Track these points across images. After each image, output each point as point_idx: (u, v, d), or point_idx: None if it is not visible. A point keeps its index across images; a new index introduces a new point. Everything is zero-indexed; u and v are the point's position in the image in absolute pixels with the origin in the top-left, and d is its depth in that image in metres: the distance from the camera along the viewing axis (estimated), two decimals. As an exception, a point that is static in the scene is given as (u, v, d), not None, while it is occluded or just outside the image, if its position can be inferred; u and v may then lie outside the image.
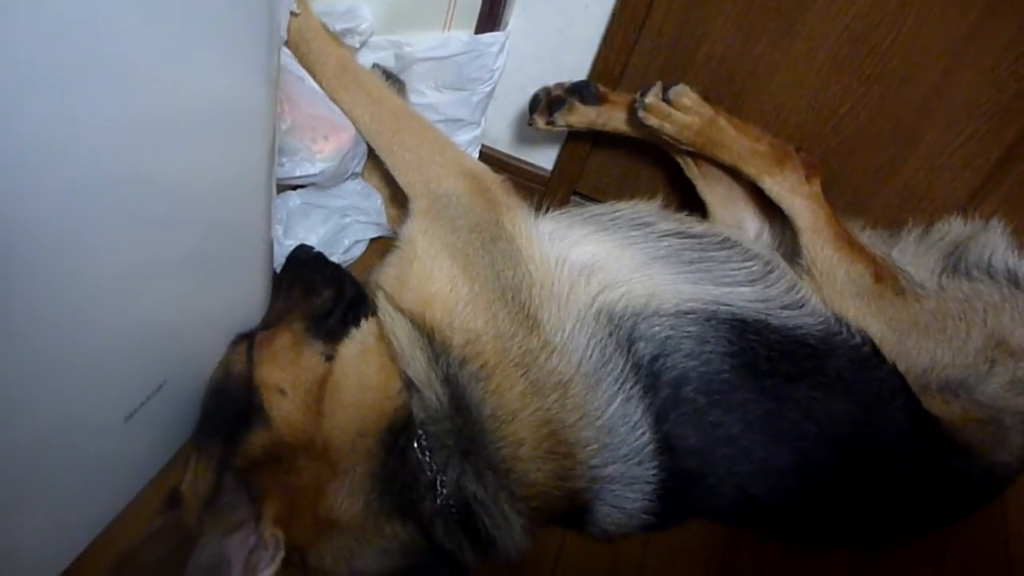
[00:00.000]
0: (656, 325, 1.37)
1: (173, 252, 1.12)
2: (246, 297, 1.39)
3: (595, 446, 1.30)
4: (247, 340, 1.34)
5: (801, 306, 1.47)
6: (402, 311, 1.34)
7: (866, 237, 1.67)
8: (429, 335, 1.30)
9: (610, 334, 1.35)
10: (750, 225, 1.74)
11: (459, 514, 1.27)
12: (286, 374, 1.29)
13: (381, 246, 1.71)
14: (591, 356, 1.33)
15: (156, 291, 1.12)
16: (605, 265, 1.43)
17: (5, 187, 0.77)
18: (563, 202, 1.93)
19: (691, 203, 1.74)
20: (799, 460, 1.38)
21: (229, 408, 1.28)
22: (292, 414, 1.25)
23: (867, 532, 1.52)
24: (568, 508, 1.34)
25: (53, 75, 0.75)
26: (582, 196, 1.95)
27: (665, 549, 1.52)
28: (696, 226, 1.57)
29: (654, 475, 1.33)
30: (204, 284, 1.25)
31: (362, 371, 1.31)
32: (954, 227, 1.65)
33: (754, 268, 1.50)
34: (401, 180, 1.52)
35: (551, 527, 1.43)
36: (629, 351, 1.35)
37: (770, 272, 1.50)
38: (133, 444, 1.27)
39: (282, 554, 1.15)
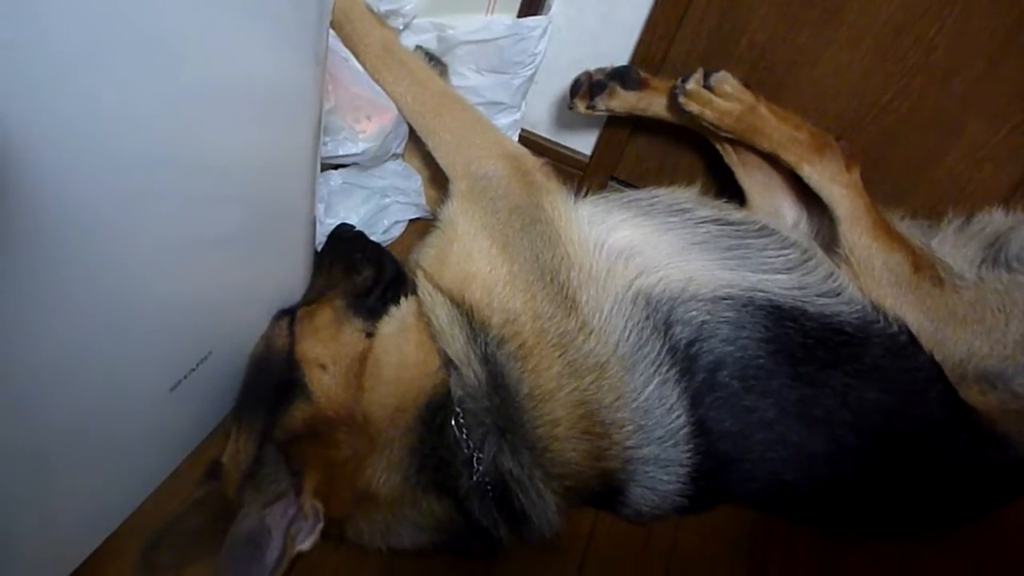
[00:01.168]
0: (693, 310, 1.38)
1: (220, 228, 1.14)
2: (289, 273, 1.41)
3: (630, 427, 1.31)
4: (289, 315, 1.36)
5: (838, 294, 1.46)
6: (441, 290, 1.35)
7: (905, 227, 1.65)
8: (468, 314, 1.31)
9: (647, 317, 1.36)
10: (788, 213, 1.73)
11: (494, 491, 1.28)
12: (327, 349, 1.31)
13: (420, 227, 1.72)
14: (628, 338, 1.33)
15: (203, 265, 1.14)
16: (643, 249, 1.44)
17: (63, 164, 0.79)
18: (601, 187, 1.93)
19: (729, 190, 1.73)
20: (833, 447, 1.38)
21: (270, 382, 1.30)
22: (332, 389, 1.27)
23: (900, 522, 1.52)
24: (602, 488, 1.35)
25: (107, 55, 0.77)
26: (620, 182, 1.95)
27: (696, 533, 1.53)
28: (734, 213, 1.58)
29: (688, 458, 1.34)
30: (249, 260, 1.27)
31: (402, 348, 1.33)
32: (995, 219, 1.63)
33: (791, 256, 1.50)
34: (442, 161, 1.53)
35: (584, 508, 1.44)
36: (666, 335, 1.35)
37: (807, 260, 1.50)
38: (177, 414, 1.29)
39: (321, 525, 1.18)
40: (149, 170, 0.92)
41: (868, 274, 1.50)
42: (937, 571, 1.60)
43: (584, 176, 1.92)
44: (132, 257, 0.98)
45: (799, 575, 1.54)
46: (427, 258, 1.43)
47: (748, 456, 1.38)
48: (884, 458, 1.40)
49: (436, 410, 1.28)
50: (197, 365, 1.25)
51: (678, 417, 1.33)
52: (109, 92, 0.79)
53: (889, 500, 1.46)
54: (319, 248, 1.53)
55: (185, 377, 1.24)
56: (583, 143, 1.92)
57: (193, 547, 1.27)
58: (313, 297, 1.42)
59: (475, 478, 1.28)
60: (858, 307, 1.45)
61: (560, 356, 1.30)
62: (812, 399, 1.37)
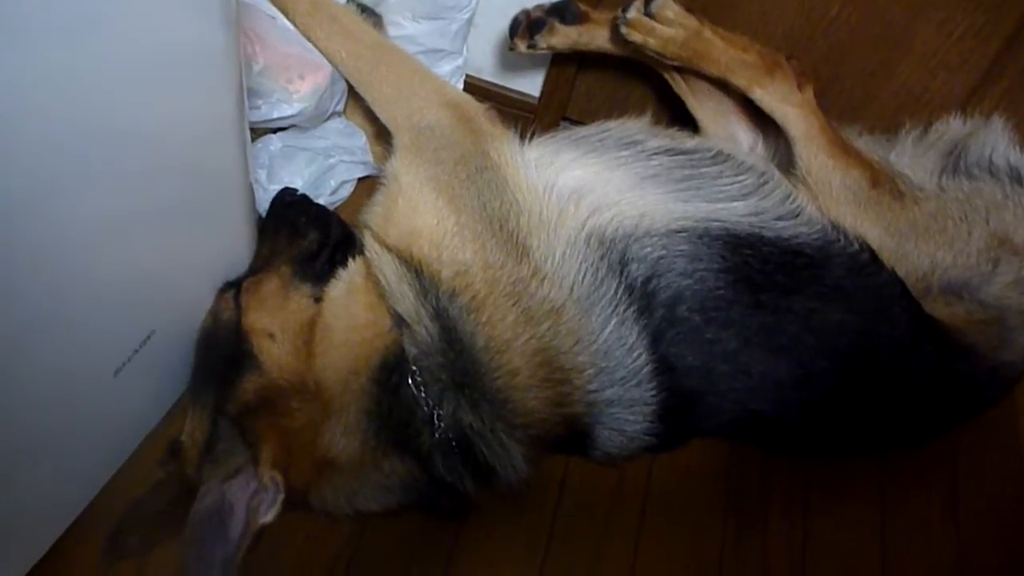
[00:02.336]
0: (648, 246, 1.35)
1: (150, 201, 1.10)
2: (231, 244, 1.38)
3: (591, 371, 1.30)
4: (234, 287, 1.33)
5: (796, 216, 1.43)
6: (388, 248, 1.32)
7: (862, 143, 1.62)
8: (417, 270, 1.29)
9: (602, 257, 1.33)
10: (743, 138, 1.69)
11: (458, 446, 1.27)
12: (275, 318, 1.29)
13: (370, 186, 1.65)
14: (583, 281, 1.31)
15: (136, 241, 1.11)
16: (594, 188, 1.40)
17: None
18: (553, 128, 1.88)
19: (683, 120, 1.69)
20: (799, 372, 1.36)
21: (220, 356, 1.28)
22: (282, 357, 1.25)
23: (873, 441, 1.52)
24: (568, 434, 1.34)
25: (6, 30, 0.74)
26: (572, 121, 1.91)
27: (670, 469, 1.52)
28: (687, 141, 1.53)
29: (653, 396, 1.33)
30: (186, 232, 1.23)
31: (351, 310, 1.31)
32: (953, 126, 1.60)
33: (747, 181, 1.46)
34: (383, 115, 1.48)
35: (554, 455, 1.43)
36: (622, 273, 1.33)
37: (764, 184, 1.46)
38: (126, 398, 1.27)
39: (283, 496, 1.16)
40: (65, 145, 0.88)
41: (826, 193, 1.48)
42: (915, 485, 1.60)
43: (535, 118, 1.88)
44: (59, 237, 0.95)
45: (778, 501, 1.54)
46: (373, 216, 1.39)
47: (714, 389, 1.36)
48: (852, 379, 1.39)
49: (391, 370, 1.26)
50: (140, 346, 1.22)
51: (639, 356, 1.31)
52: (14, 66, 0.76)
53: (860, 421, 1.45)
54: (263, 215, 1.49)
55: (129, 360, 1.22)
56: (531, 84, 1.87)
57: (158, 529, 1.27)
58: (259, 266, 1.39)
59: (437, 435, 1.26)
60: (817, 228, 1.42)
61: (514, 305, 1.27)
62: (775, 326, 1.35)
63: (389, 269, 1.30)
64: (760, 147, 1.68)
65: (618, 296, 1.31)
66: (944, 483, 1.61)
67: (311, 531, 1.36)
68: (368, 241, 1.35)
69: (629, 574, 1.41)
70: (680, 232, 1.37)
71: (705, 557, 1.45)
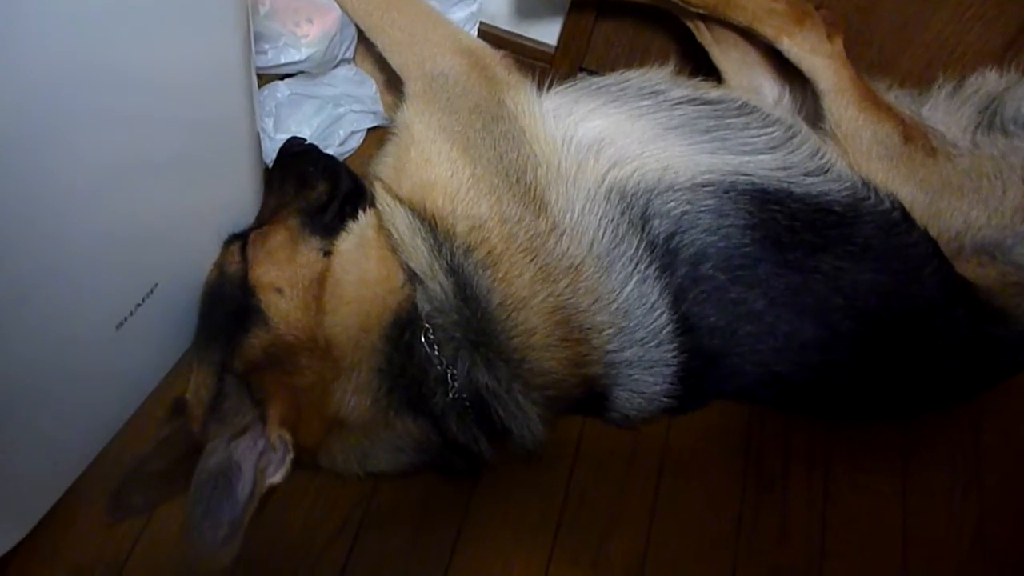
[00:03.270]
0: (671, 200, 1.30)
1: (152, 149, 1.06)
2: (236, 194, 1.33)
3: (611, 330, 1.26)
4: (241, 239, 1.29)
5: (825, 172, 1.38)
6: (401, 200, 1.26)
7: (893, 97, 1.56)
8: (431, 224, 1.24)
9: (622, 213, 1.28)
10: (768, 90, 1.63)
11: (472, 407, 1.23)
12: (282, 272, 1.24)
13: (380, 136, 1.60)
14: (603, 237, 1.26)
15: (139, 191, 1.07)
16: (615, 140, 1.34)
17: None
18: (570, 79, 1.82)
19: (705, 72, 1.62)
20: (826, 334, 1.32)
21: (226, 311, 1.24)
22: (291, 313, 1.21)
23: (899, 405, 1.47)
24: (585, 395, 1.30)
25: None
26: (589, 71, 1.84)
27: (688, 432, 1.48)
28: (712, 92, 1.47)
29: (674, 357, 1.29)
30: (190, 182, 1.18)
31: (362, 265, 1.26)
32: (988, 80, 1.52)
33: (775, 134, 1.41)
34: (394, 62, 1.42)
35: (570, 416, 1.39)
36: (643, 229, 1.28)
37: (792, 138, 1.41)
38: (129, 353, 1.22)
39: (292, 456, 1.13)
40: (66, 91, 0.84)
41: (856, 148, 1.42)
42: (938, 452, 1.56)
43: (551, 68, 1.81)
44: (58, 186, 0.91)
45: (798, 467, 1.50)
46: (384, 167, 1.34)
47: (737, 350, 1.32)
48: (880, 341, 1.34)
49: (403, 327, 1.22)
50: (143, 299, 1.18)
51: (660, 315, 1.27)
52: (12, 9, 0.72)
53: (886, 384, 1.41)
54: (269, 166, 1.44)
55: (131, 313, 1.17)
56: (547, 33, 1.79)
57: (162, 488, 1.25)
58: (266, 218, 1.34)
59: (451, 395, 1.22)
60: (847, 184, 1.37)
61: (531, 261, 1.23)
62: (802, 286, 1.30)
63: (402, 222, 1.24)
64: (786, 100, 1.62)
65: (639, 253, 1.27)
66: (968, 451, 1.58)
67: (319, 492, 1.33)
68: (379, 193, 1.30)
69: (645, 537, 1.38)
70: (705, 186, 1.32)
71: (723, 521, 1.42)
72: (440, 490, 1.36)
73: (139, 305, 1.18)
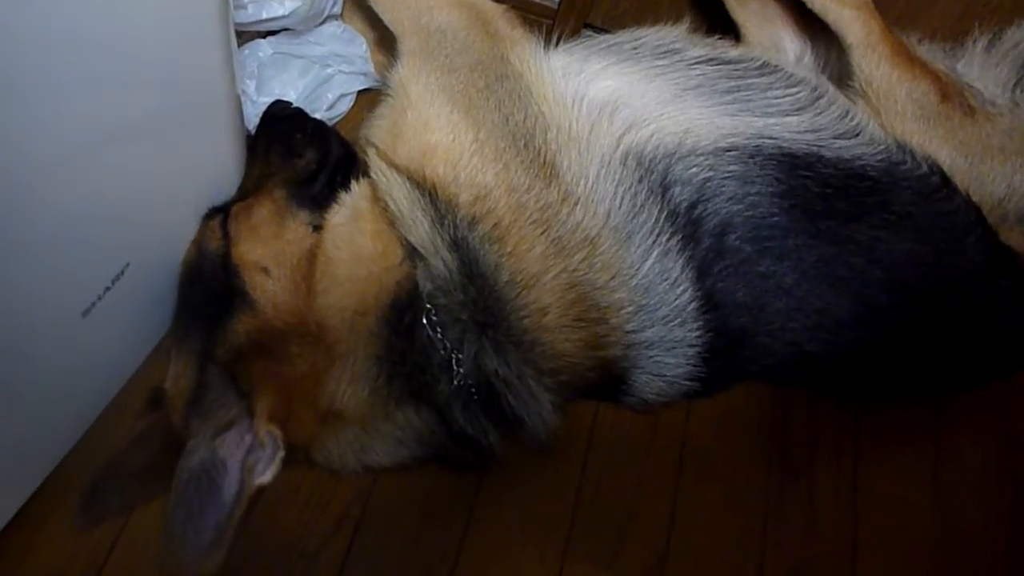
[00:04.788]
0: (693, 166, 1.20)
1: (122, 115, 0.96)
2: (216, 164, 1.22)
3: (630, 308, 1.16)
4: (221, 213, 1.18)
5: (857, 134, 1.28)
6: (397, 168, 1.15)
7: (924, 52, 1.45)
8: (431, 194, 1.13)
9: (640, 179, 1.18)
10: (789, 47, 1.53)
11: (479, 395, 1.13)
12: (268, 249, 1.13)
13: (371, 99, 1.50)
14: (620, 206, 1.16)
15: (107, 161, 0.97)
16: (630, 100, 1.24)
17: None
18: (574, 36, 1.70)
19: (721, 28, 1.51)
20: (861, 310, 1.22)
21: (206, 293, 1.13)
22: (278, 295, 1.10)
23: (936, 382, 1.38)
24: (601, 380, 1.21)
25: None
26: (596, 28, 1.72)
27: (708, 416, 1.39)
28: (731, 50, 1.37)
29: (698, 337, 1.20)
30: (164, 151, 1.07)
31: (356, 240, 1.15)
32: (1028, 33, 1.43)
33: (800, 95, 1.30)
34: (386, 17, 1.30)
35: (582, 400, 1.29)
36: (663, 198, 1.18)
37: (819, 98, 1.31)
38: (98, 343, 1.11)
39: (282, 453, 1.03)
40: (21, 50, 0.76)
41: (890, 108, 1.32)
42: (971, 433, 1.47)
43: (554, 24, 1.69)
44: (16, 159, 0.82)
45: (825, 451, 1.40)
46: (378, 132, 1.23)
47: (765, 329, 1.23)
48: (919, 316, 1.25)
49: (403, 309, 1.11)
50: (113, 282, 1.07)
51: (684, 292, 1.17)
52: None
53: (924, 360, 1.31)
54: (252, 132, 1.33)
55: (99, 298, 1.06)
56: (550, -14, 1.68)
57: (140, 486, 1.15)
58: (249, 189, 1.23)
59: (456, 382, 1.12)
60: (881, 147, 1.27)
61: (543, 234, 1.12)
62: (836, 258, 1.21)
63: (399, 193, 1.13)
64: (808, 58, 1.51)
65: (660, 224, 1.17)
66: (999, 430, 1.48)
67: (312, 488, 1.23)
68: (373, 161, 1.19)
69: (666, 531, 1.28)
70: (729, 151, 1.22)
71: (747, 512, 1.33)
72: (444, 483, 1.26)
73: (108, 289, 1.07)
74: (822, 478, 1.38)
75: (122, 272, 1.07)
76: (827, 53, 1.46)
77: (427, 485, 1.25)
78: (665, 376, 1.22)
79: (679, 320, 1.18)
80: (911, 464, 1.42)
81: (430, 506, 1.25)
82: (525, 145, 1.16)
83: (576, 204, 1.14)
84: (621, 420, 1.35)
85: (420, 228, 1.11)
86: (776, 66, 1.35)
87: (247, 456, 1.03)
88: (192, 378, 1.09)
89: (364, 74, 1.52)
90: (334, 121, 1.51)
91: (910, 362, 1.31)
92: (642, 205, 1.17)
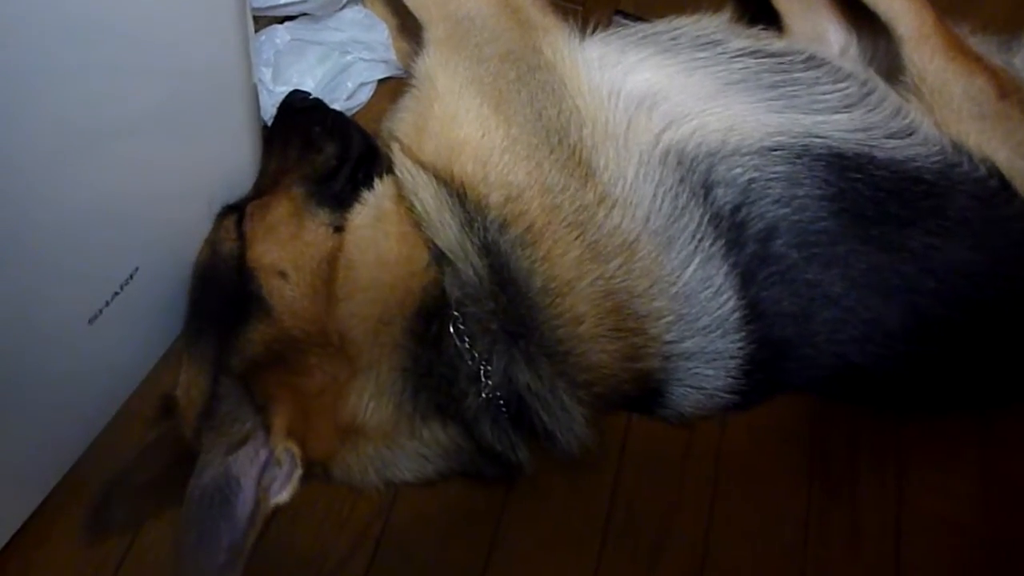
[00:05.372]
0: (737, 166, 1.13)
1: (132, 106, 0.90)
2: (230, 158, 1.15)
3: (669, 318, 1.10)
4: (236, 212, 1.12)
5: (910, 133, 1.21)
6: (424, 166, 1.09)
7: (977, 45, 1.38)
8: (460, 194, 1.06)
9: (681, 180, 1.12)
10: (834, 38, 1.46)
11: (509, 408, 1.07)
12: (286, 252, 1.07)
13: (392, 88, 1.44)
14: (660, 209, 1.10)
15: (115, 156, 0.91)
16: (669, 94, 1.18)
17: None
18: (605, 24, 1.63)
19: (761, 18, 1.43)
20: (913, 322, 1.16)
21: (220, 297, 1.07)
22: (297, 301, 1.04)
23: (988, 396, 1.31)
24: (638, 392, 1.14)
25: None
26: (628, 16, 1.65)
27: (746, 427, 1.32)
28: (775, 43, 1.30)
29: (740, 348, 1.13)
30: (175, 145, 1.02)
31: (380, 243, 1.09)
32: (1089, 26, 1.36)
33: (849, 90, 1.24)
34: (410, 3, 1.23)
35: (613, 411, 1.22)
36: (706, 200, 1.12)
37: (869, 94, 1.24)
38: (105, 350, 1.05)
39: (300, 472, 0.97)
40: (29, 36, 0.71)
41: (945, 106, 1.25)
42: (1019, 443, 1.40)
43: (584, 11, 1.62)
44: (19, 155, 0.77)
45: (867, 464, 1.33)
46: (403, 126, 1.16)
47: (811, 340, 1.16)
48: (975, 330, 1.18)
49: (429, 318, 1.05)
50: (121, 287, 1.01)
51: (727, 301, 1.11)
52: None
53: (977, 373, 1.25)
54: (268, 124, 1.27)
55: (107, 304, 1.01)
56: (581, -29, 1.61)
57: (150, 500, 1.09)
58: (265, 186, 1.17)
59: (484, 395, 1.06)
60: (936, 148, 1.20)
61: (578, 238, 1.06)
62: (887, 266, 1.14)
63: (426, 192, 1.07)
64: (854, 50, 1.44)
65: (702, 228, 1.11)
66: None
67: (331, 503, 1.16)
68: (398, 157, 1.12)
69: (702, 549, 1.22)
70: (775, 150, 1.16)
71: (787, 529, 1.26)
72: (469, 498, 1.20)
73: (117, 294, 1.01)
74: (864, 492, 1.30)
75: (131, 277, 1.01)
76: (874, 46, 1.39)
77: (451, 500, 1.19)
78: (704, 389, 1.15)
79: (721, 331, 1.11)
80: (957, 475, 1.34)
81: (454, 522, 1.19)
82: (560, 142, 1.09)
83: (613, 206, 1.08)
84: (654, 432, 1.28)
85: (448, 231, 1.05)
86: (823, 59, 1.28)
87: (262, 473, 0.97)
88: (204, 389, 1.03)
89: (385, 62, 1.45)
90: (354, 111, 1.44)
91: (962, 374, 1.24)
92: (683, 208, 1.10)
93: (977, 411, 1.37)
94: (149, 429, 1.10)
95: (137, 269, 1.01)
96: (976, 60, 1.27)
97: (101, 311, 0.99)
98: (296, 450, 0.96)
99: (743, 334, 1.12)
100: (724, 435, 1.31)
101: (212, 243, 1.11)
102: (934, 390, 1.27)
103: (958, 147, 1.21)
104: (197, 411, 1.03)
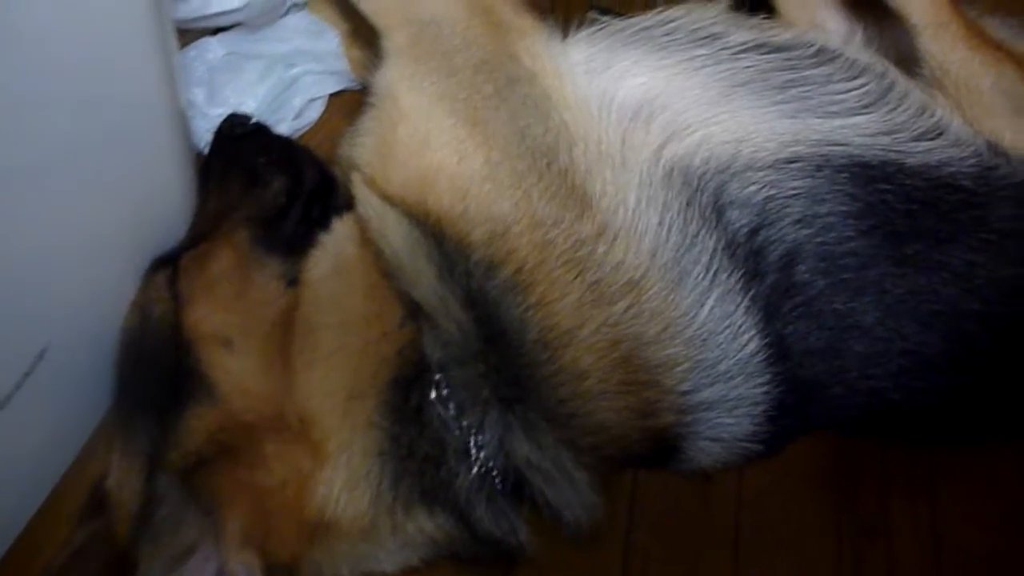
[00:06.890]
0: (751, 183, 1.01)
1: (30, 143, 0.77)
2: (158, 200, 0.99)
3: (685, 365, 0.97)
4: (168, 267, 0.95)
5: (940, 134, 1.09)
6: (392, 200, 0.96)
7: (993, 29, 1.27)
8: (436, 233, 0.93)
9: (689, 203, 0.99)
10: (834, 27, 1.33)
11: (505, 484, 0.93)
12: (230, 315, 0.92)
13: (346, 102, 1.31)
14: (668, 239, 0.97)
15: (11, 209, 0.76)
16: (668, 101, 1.05)
17: None
18: (579, 19, 1.50)
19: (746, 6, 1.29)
20: (957, 350, 1.04)
21: (152, 375, 0.91)
22: (246, 377, 0.89)
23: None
24: (650, 451, 1.01)
25: None
26: (603, 11, 1.51)
27: (765, 471, 1.18)
28: (781, 33, 1.17)
29: (764, 393, 1.01)
30: (85, 188, 0.86)
31: (343, 300, 0.94)
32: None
33: (868, 86, 1.11)
34: (366, 7, 1.10)
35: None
36: (719, 224, 0.99)
37: (889, 90, 1.12)
38: (18, 440, 0.89)
39: (260, 584, 0.81)
40: None
41: (974, 100, 1.13)
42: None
43: (553, 6, 1.47)
44: None
45: (899, 500, 1.21)
46: (364, 153, 1.03)
47: (843, 378, 1.04)
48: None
49: (408, 387, 0.91)
50: (31, 368, 0.84)
51: (748, 341, 0.99)
52: None
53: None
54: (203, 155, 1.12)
55: (17, 388, 0.83)
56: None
57: None
58: (203, 232, 1.01)
59: (475, 470, 0.92)
60: (971, 149, 1.08)
61: (577, 278, 0.93)
62: (926, 289, 1.02)
63: (395, 233, 0.93)
64: (859, 40, 1.31)
65: (716, 258, 0.98)
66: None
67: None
68: (359, 190, 0.98)
69: (728, 613, 1.09)
70: (792, 162, 1.03)
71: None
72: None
73: (27, 374, 0.84)
74: (898, 530, 1.19)
75: (41, 355, 0.84)
76: (879, 36, 1.27)
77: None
78: (724, 440, 1.03)
79: (743, 375, 0.99)
80: (993, 505, 1.23)
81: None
82: (548, 166, 0.96)
83: (615, 239, 0.95)
84: (666, 483, 1.15)
85: (424, 280, 0.91)
86: (835, 51, 1.16)
87: (214, 589, 0.81)
88: (138, 488, 0.87)
89: (337, 73, 1.31)
90: (302, 132, 1.29)
91: (1008, 404, 1.12)
92: (694, 236, 0.98)
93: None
94: (77, 529, 0.94)
95: (47, 348, 0.85)
96: (999, 48, 1.16)
97: (9, 397, 0.82)
98: (254, 561, 0.81)
99: (767, 377, 1.00)
100: (742, 479, 1.18)
101: (140, 307, 0.95)
102: (976, 420, 1.15)
103: (993, 147, 1.09)
104: (131, 515, 0.86)
